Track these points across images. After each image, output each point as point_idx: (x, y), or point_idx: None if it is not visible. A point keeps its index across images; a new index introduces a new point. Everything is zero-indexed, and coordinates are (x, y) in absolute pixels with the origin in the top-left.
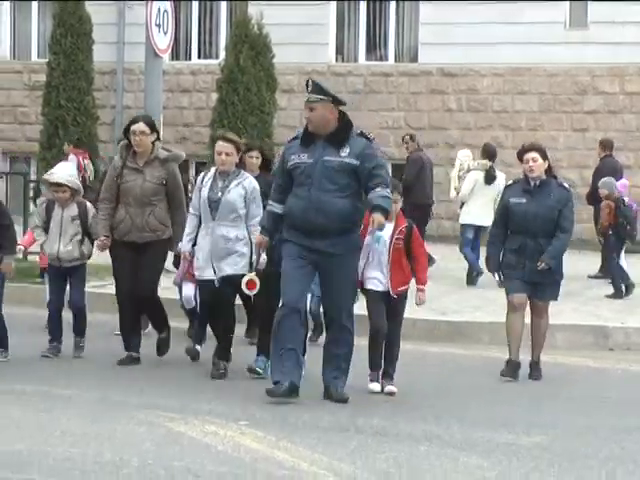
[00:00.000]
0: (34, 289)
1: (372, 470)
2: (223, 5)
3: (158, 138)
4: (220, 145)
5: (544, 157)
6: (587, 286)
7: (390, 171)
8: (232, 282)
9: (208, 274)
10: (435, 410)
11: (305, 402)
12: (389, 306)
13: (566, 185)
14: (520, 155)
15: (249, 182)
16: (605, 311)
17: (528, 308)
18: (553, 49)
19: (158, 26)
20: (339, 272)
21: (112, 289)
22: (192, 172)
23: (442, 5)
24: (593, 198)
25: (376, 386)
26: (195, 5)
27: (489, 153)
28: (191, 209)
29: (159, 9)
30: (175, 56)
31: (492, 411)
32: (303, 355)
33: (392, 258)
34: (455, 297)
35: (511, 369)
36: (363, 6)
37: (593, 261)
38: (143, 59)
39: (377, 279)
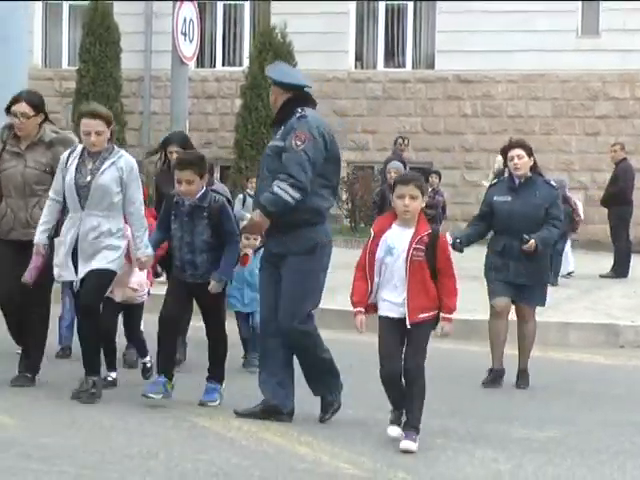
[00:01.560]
0: None
1: (391, 463)
2: (247, 14)
3: (46, 119)
4: (87, 123)
5: (529, 154)
6: (599, 285)
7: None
8: (99, 278)
9: (68, 275)
10: (451, 405)
11: None
12: (407, 338)
13: (553, 183)
14: (504, 152)
15: (125, 161)
16: (616, 310)
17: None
18: (566, 56)
19: (184, 35)
20: (288, 276)
21: None
22: (217, 176)
23: (458, 14)
24: (608, 201)
25: (394, 430)
26: (220, 14)
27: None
28: (51, 193)
29: (185, 18)
30: (200, 63)
31: (506, 407)
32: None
33: (410, 275)
34: (470, 296)
35: (494, 378)
36: (382, 15)
37: (605, 261)
38: (169, 66)
39: (390, 302)
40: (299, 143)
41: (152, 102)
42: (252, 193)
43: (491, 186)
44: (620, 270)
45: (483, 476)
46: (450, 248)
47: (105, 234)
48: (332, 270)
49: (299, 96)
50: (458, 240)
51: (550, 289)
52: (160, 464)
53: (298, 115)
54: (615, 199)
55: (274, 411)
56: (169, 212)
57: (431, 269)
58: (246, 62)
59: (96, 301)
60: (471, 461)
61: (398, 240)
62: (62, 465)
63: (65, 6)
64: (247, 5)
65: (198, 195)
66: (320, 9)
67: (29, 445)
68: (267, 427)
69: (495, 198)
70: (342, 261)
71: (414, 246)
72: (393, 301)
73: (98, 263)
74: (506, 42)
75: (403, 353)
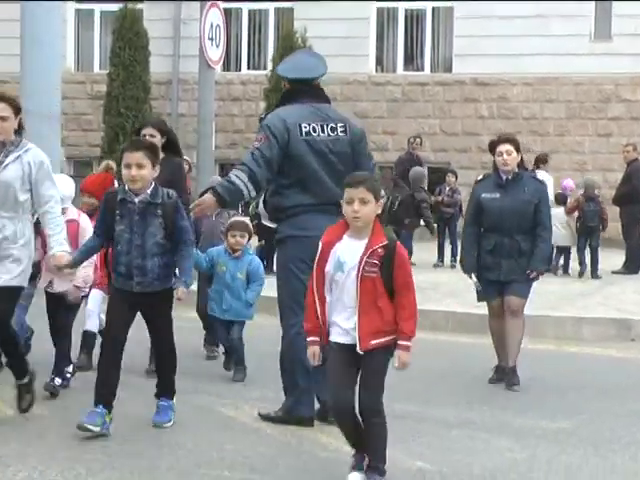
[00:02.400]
0: None
1: (409, 452)
2: (271, 20)
3: None
4: None
5: (518, 150)
6: (611, 281)
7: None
8: (2, 301)
9: None
10: (466, 397)
11: None
12: (361, 368)
13: (540, 178)
14: (492, 147)
15: (34, 155)
16: (628, 305)
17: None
18: (579, 60)
19: (211, 40)
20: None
21: None
22: None
23: (475, 19)
24: (620, 200)
25: (355, 477)
26: (245, 20)
27: (538, 161)
28: None
29: (212, 24)
30: (226, 67)
31: (521, 398)
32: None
33: (361, 294)
34: None
35: (500, 375)
36: (401, 20)
37: (617, 258)
38: (197, 70)
39: (340, 326)
40: (256, 143)
41: (180, 104)
42: None
43: (477, 183)
44: (632, 267)
45: (498, 465)
46: (409, 262)
47: (9, 240)
48: None
49: (293, 89)
50: (476, 278)
51: (564, 284)
52: (188, 453)
53: (261, 116)
54: (627, 198)
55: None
56: (111, 213)
57: (388, 287)
58: (270, 66)
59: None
60: (487, 450)
61: (349, 253)
62: (94, 453)
63: (96, 12)
64: (271, 11)
65: (149, 190)
66: (342, 14)
67: (63, 434)
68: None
69: (483, 195)
70: None
71: (366, 260)
72: (343, 325)
73: (1, 278)
74: (521, 46)
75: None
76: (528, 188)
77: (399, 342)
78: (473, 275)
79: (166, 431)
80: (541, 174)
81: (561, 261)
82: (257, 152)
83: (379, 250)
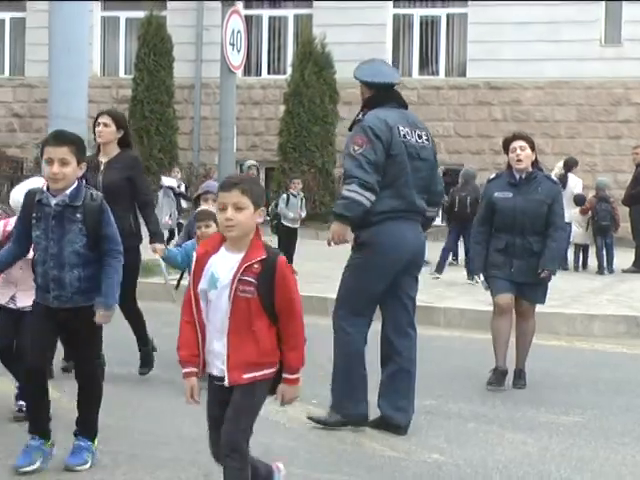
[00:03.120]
0: None
1: (425, 445)
2: (290, 26)
3: None
4: None
5: (532, 148)
6: (621, 279)
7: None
8: None
9: None
10: (480, 392)
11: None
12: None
13: (554, 178)
14: (506, 144)
15: None
16: (638, 302)
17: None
18: (590, 64)
19: (232, 45)
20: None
21: None
22: (262, 176)
23: (488, 25)
24: (629, 200)
25: None
26: (265, 26)
27: (567, 164)
28: None
29: (233, 30)
30: (247, 72)
31: (534, 392)
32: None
33: (233, 317)
34: None
35: (498, 377)
36: (416, 26)
37: (627, 257)
38: (218, 75)
39: (213, 353)
40: (357, 148)
41: (202, 108)
42: (295, 193)
43: (489, 182)
44: None
45: (512, 457)
46: (294, 281)
47: None
48: None
49: (379, 95)
50: (484, 278)
51: (576, 281)
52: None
53: (355, 120)
54: (636, 198)
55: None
56: (29, 216)
57: (268, 310)
58: (289, 70)
59: None
60: (501, 443)
61: (223, 268)
62: (117, 445)
63: (122, 19)
64: (291, 17)
65: (69, 191)
66: (359, 21)
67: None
68: (309, 412)
69: (496, 194)
70: None
71: (239, 277)
72: (217, 351)
73: None
74: (533, 51)
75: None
76: (542, 188)
77: (283, 375)
78: (481, 275)
79: (187, 425)
80: (572, 177)
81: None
82: (361, 158)
83: (255, 266)
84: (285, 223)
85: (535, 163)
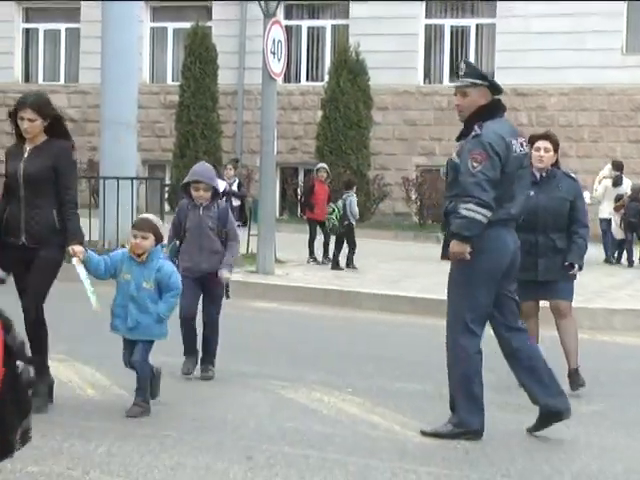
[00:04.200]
0: None
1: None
2: (328, 35)
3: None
4: None
5: (556, 149)
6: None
7: None
8: None
9: None
10: (506, 381)
11: (397, 374)
12: None
13: (573, 175)
14: (533, 140)
15: None
16: None
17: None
18: (611, 72)
19: (273, 54)
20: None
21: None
22: (300, 177)
23: (515, 34)
24: None
25: None
26: (304, 36)
27: (616, 166)
28: None
29: (274, 39)
30: (287, 79)
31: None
32: None
33: None
34: None
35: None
36: (447, 36)
37: None
38: (260, 82)
39: None
40: (475, 165)
41: (244, 113)
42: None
43: None
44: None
45: (535, 443)
46: None
47: None
48: (401, 261)
49: (493, 104)
50: None
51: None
52: (251, 431)
53: (473, 134)
54: None
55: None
56: None
57: None
58: (326, 78)
59: None
60: (523, 432)
61: None
62: (166, 430)
63: (169, 30)
64: (328, 27)
65: None
66: (392, 30)
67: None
68: (345, 399)
69: None
70: (411, 254)
71: None
72: None
73: None
74: (558, 59)
75: None
76: (562, 185)
77: None
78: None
79: (231, 411)
80: (626, 181)
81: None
82: (480, 175)
83: None
84: (352, 222)
85: (555, 164)
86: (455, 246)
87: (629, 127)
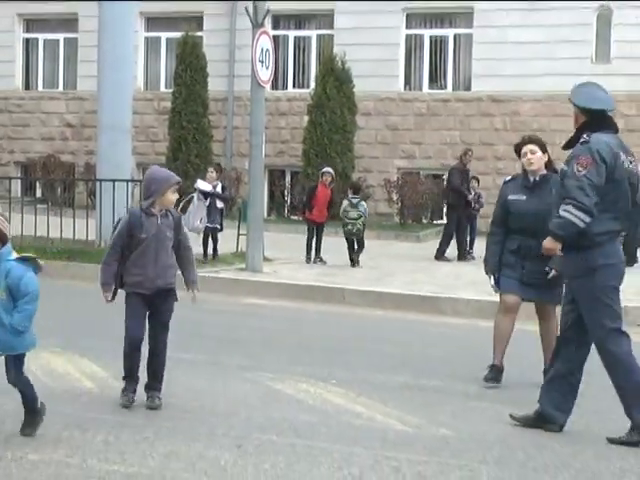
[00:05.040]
0: None
1: (433, 421)
2: (313, 45)
3: None
4: None
5: (543, 150)
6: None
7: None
8: None
9: None
10: (483, 373)
11: (379, 366)
12: None
13: None
14: (518, 148)
15: None
16: (628, 294)
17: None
18: (582, 79)
19: (261, 62)
20: (577, 298)
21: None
22: (287, 179)
23: (491, 44)
24: None
25: None
26: (291, 45)
27: None
28: None
29: (262, 48)
30: (275, 86)
31: (533, 374)
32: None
33: None
34: None
35: (494, 374)
36: (426, 45)
37: None
38: (249, 89)
39: None
40: (580, 169)
41: (234, 118)
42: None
43: (505, 184)
44: (630, 260)
45: (511, 431)
46: None
47: None
48: (383, 260)
49: (594, 120)
50: (494, 280)
51: None
52: (241, 420)
53: (581, 141)
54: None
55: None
56: None
57: None
58: (312, 85)
59: None
60: (500, 420)
61: None
62: (160, 420)
63: (163, 39)
64: (314, 37)
65: None
66: (375, 40)
67: (135, 403)
68: (329, 390)
69: (509, 197)
70: (393, 252)
71: None
72: None
73: None
74: (532, 68)
75: None
76: (555, 190)
77: None
78: (493, 277)
79: (222, 402)
80: None
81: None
82: (585, 180)
83: None
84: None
85: (549, 164)
86: (548, 242)
87: None
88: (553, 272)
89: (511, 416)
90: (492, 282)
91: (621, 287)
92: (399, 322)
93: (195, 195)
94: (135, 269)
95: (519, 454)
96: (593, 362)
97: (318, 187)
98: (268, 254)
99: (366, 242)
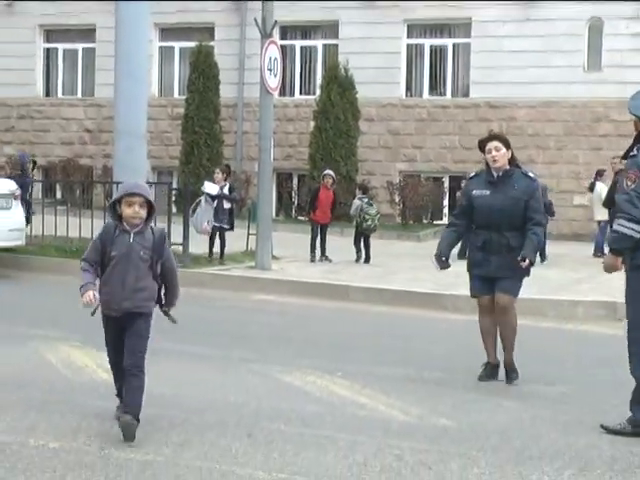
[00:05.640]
0: None
1: (434, 411)
2: (319, 54)
3: None
4: None
5: (507, 146)
6: (600, 271)
7: (447, 183)
8: None
9: None
10: (478, 365)
11: (382, 359)
12: None
13: (531, 175)
14: (482, 145)
15: None
16: (615, 290)
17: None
18: (574, 87)
19: (270, 70)
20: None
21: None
22: (295, 181)
23: (488, 53)
24: (609, 202)
25: None
26: (297, 54)
27: (597, 172)
28: None
29: (270, 57)
30: (282, 93)
31: (527, 367)
32: None
33: None
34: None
35: (489, 371)
36: (427, 54)
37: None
38: (258, 95)
39: None
40: (629, 183)
41: (244, 124)
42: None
43: (470, 179)
44: None
45: (508, 422)
46: None
47: None
48: (386, 258)
49: None
50: (443, 258)
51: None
52: (251, 411)
53: (631, 154)
54: (614, 201)
55: None
56: None
57: None
58: (318, 92)
59: None
60: (498, 411)
61: None
62: (175, 410)
63: (176, 48)
64: (319, 46)
65: None
66: (378, 49)
67: (150, 394)
68: (335, 382)
69: (474, 192)
70: (395, 251)
71: None
72: None
73: None
74: (527, 75)
75: None
76: (518, 185)
77: None
78: (438, 259)
79: (232, 394)
80: (599, 185)
81: None
82: (632, 193)
83: None
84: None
85: (512, 160)
86: (608, 259)
87: (590, 136)
88: (527, 262)
89: (602, 426)
90: (434, 260)
91: (612, 285)
92: (401, 318)
93: (202, 198)
94: (105, 288)
95: (516, 443)
96: (587, 356)
97: (320, 189)
98: (276, 253)
99: (371, 241)
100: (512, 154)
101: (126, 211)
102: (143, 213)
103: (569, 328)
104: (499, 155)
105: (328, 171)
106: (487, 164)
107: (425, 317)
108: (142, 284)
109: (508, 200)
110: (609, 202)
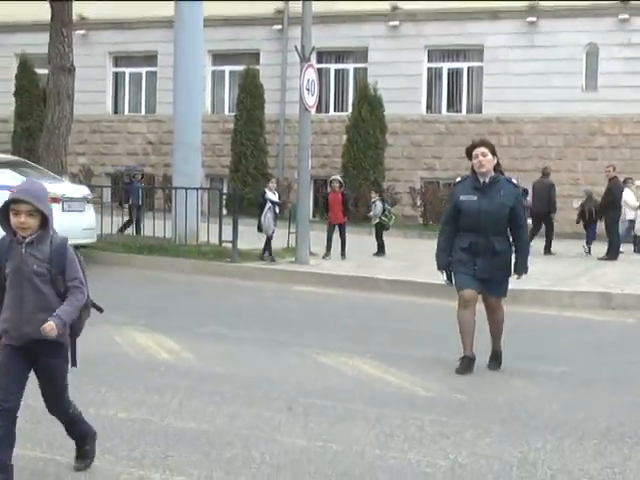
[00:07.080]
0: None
1: (451, 387)
2: (351, 76)
3: None
4: None
5: (493, 153)
6: (596, 265)
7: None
8: None
9: None
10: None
11: (406, 343)
12: None
13: (514, 181)
14: (469, 151)
15: None
16: (609, 282)
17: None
18: (574, 105)
19: (308, 90)
20: None
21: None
22: (329, 189)
23: (498, 75)
24: (603, 206)
25: None
26: (332, 76)
27: (624, 180)
28: None
29: (308, 79)
30: (319, 110)
31: (532, 349)
32: None
33: None
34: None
35: (466, 364)
36: (445, 76)
37: (601, 248)
38: (297, 112)
39: None
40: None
41: (285, 137)
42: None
43: (456, 185)
44: (612, 255)
45: (516, 398)
46: None
47: None
48: (410, 254)
49: None
50: (446, 275)
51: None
52: (291, 387)
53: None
54: (609, 205)
55: None
56: None
57: None
58: (350, 109)
59: None
60: (507, 388)
61: None
62: (225, 386)
63: (227, 71)
64: (351, 70)
65: None
66: (402, 72)
67: (204, 372)
68: (365, 362)
69: (461, 197)
70: (418, 248)
71: None
72: None
73: None
74: (532, 94)
75: None
76: (504, 191)
77: None
78: (444, 273)
79: (275, 372)
80: (627, 192)
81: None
82: None
83: None
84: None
85: (497, 167)
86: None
87: (588, 148)
88: (522, 276)
89: None
90: (444, 277)
91: (607, 278)
92: (426, 307)
93: (268, 204)
94: (5, 312)
95: (523, 415)
96: (585, 340)
97: (329, 194)
98: (313, 250)
99: (394, 240)
100: (497, 160)
101: (12, 220)
102: (32, 223)
103: (569, 315)
104: (485, 160)
105: (335, 176)
106: (473, 170)
107: (447, 306)
108: (45, 304)
109: (494, 205)
110: (605, 206)
